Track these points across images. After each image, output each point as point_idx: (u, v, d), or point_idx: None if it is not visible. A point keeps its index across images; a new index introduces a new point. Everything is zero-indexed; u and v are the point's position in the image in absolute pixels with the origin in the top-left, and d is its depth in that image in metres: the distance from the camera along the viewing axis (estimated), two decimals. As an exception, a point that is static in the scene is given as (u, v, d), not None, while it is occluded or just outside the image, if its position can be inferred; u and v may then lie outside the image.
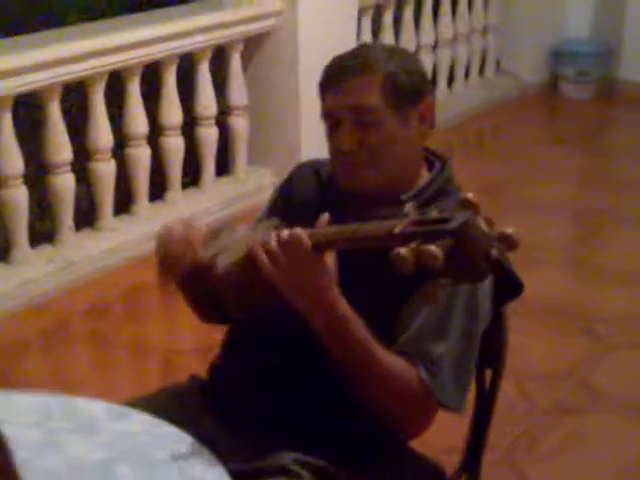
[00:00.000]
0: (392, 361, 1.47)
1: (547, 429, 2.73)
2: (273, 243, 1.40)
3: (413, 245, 1.18)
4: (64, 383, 3.05)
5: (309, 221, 1.42)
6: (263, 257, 1.41)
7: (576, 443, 2.71)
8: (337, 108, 1.57)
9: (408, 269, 1.17)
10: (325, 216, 1.41)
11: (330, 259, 1.41)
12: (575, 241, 4.06)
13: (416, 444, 1.67)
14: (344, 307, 1.44)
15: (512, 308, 1.65)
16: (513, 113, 5.76)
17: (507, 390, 1.73)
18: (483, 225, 1.19)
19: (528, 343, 2.96)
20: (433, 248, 1.15)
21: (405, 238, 1.21)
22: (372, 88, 1.55)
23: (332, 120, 1.59)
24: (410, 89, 1.57)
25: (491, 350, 1.64)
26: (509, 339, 1.67)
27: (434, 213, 1.24)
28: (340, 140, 1.57)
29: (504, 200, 4.29)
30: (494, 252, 1.18)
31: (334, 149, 1.60)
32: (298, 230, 1.39)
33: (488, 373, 1.70)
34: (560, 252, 3.85)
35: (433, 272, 1.17)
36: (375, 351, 1.45)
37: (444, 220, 1.20)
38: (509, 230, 1.19)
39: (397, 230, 1.23)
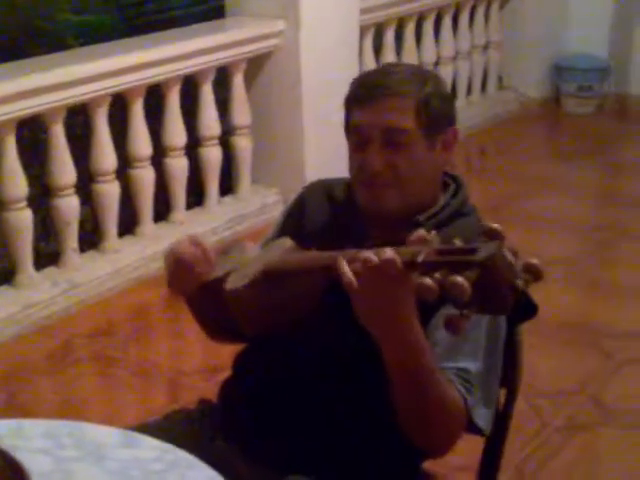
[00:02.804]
0: (449, 390, 1.43)
1: (558, 446, 2.71)
2: (363, 265, 1.27)
3: (438, 275, 1.15)
4: (70, 405, 3.04)
5: (324, 242, 1.39)
6: (350, 276, 1.29)
7: (587, 460, 2.70)
8: (368, 126, 1.55)
9: (432, 299, 1.15)
10: (420, 231, 1.26)
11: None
12: (582, 257, 4.04)
13: (430, 462, 1.66)
14: (420, 337, 1.36)
15: (522, 325, 1.64)
16: (515, 128, 5.76)
17: (518, 407, 1.71)
18: (509, 256, 1.16)
19: (538, 360, 2.92)
20: (460, 280, 1.12)
21: (429, 267, 1.17)
22: (408, 110, 1.54)
23: (360, 137, 1.57)
24: (441, 115, 1.57)
25: (506, 370, 1.62)
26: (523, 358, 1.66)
27: (458, 242, 1.21)
28: (368, 158, 1.55)
29: (508, 216, 4.28)
30: (519, 283, 1.16)
31: (359, 167, 1.58)
32: (391, 253, 1.25)
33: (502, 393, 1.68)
34: (567, 268, 3.83)
35: (457, 303, 1.15)
36: (438, 381, 1.40)
37: (470, 250, 1.17)
38: (534, 260, 1.17)
39: (420, 259, 1.19)
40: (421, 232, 1.25)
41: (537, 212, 4.47)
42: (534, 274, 1.17)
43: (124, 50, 3.81)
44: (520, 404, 1.73)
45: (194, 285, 1.58)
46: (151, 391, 3.18)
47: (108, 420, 2.46)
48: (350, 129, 1.59)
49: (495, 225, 1.19)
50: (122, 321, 3.62)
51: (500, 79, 6.02)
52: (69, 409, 2.99)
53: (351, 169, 1.61)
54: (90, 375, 3.30)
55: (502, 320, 1.53)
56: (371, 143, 1.55)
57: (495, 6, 5.84)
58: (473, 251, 1.17)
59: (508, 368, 1.64)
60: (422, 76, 1.59)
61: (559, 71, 6.01)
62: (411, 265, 1.21)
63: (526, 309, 1.55)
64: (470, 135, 5.45)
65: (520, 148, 5.46)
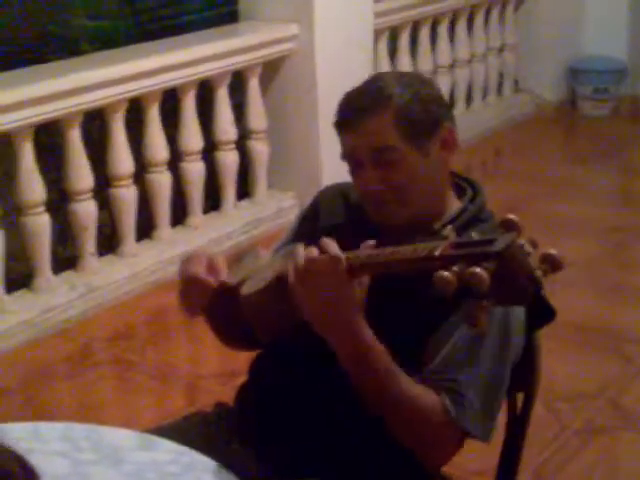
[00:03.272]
0: (414, 392, 1.44)
1: (577, 450, 2.69)
2: (304, 260, 1.36)
3: (456, 268, 1.15)
4: (88, 408, 3.05)
5: (339, 245, 1.39)
6: (292, 274, 1.37)
7: (606, 464, 2.67)
8: (356, 150, 1.55)
9: (451, 292, 1.15)
10: (371, 242, 1.37)
11: (358, 287, 1.37)
12: (599, 260, 4.01)
13: (448, 467, 1.65)
14: (367, 336, 1.40)
15: (540, 329, 1.62)
16: (531, 131, 5.74)
17: (536, 411, 1.70)
18: (527, 246, 1.16)
19: (557, 364, 2.91)
20: (479, 271, 1.12)
21: (446, 260, 1.18)
22: (386, 126, 1.52)
23: (353, 162, 1.58)
24: (426, 119, 1.55)
25: (524, 375, 1.61)
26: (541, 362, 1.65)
27: (474, 235, 1.22)
28: (364, 182, 1.56)
29: (523, 219, 4.22)
30: (538, 273, 1.15)
31: (359, 189, 1.59)
32: (336, 250, 1.35)
33: (520, 397, 1.68)
34: (585, 271, 3.81)
35: (476, 295, 1.15)
36: (396, 381, 1.42)
37: (487, 242, 1.17)
38: (553, 251, 1.17)
39: (438, 252, 1.20)
40: (369, 243, 1.35)
41: (553, 215, 4.44)
42: (553, 264, 1.16)
43: (140, 55, 3.82)
44: (539, 408, 1.73)
45: (208, 294, 1.58)
46: (168, 394, 3.19)
47: (126, 423, 2.46)
48: (343, 154, 1.60)
49: (512, 216, 1.20)
50: (140, 325, 3.63)
51: (516, 82, 6.00)
52: (87, 412, 3.00)
53: (356, 190, 1.62)
54: (108, 378, 3.31)
55: (516, 331, 1.51)
56: (363, 166, 1.55)
57: (510, 8, 5.83)
58: (490, 242, 1.17)
59: (526, 373, 1.63)
60: (400, 84, 1.56)
61: (575, 73, 5.99)
62: (429, 259, 1.21)
63: (544, 314, 1.55)
64: (486, 138, 5.44)
65: (536, 151, 5.44)
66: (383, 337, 1.42)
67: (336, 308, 1.37)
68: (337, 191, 1.74)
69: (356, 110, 1.54)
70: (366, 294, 1.38)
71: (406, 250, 1.27)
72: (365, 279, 1.38)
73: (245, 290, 1.52)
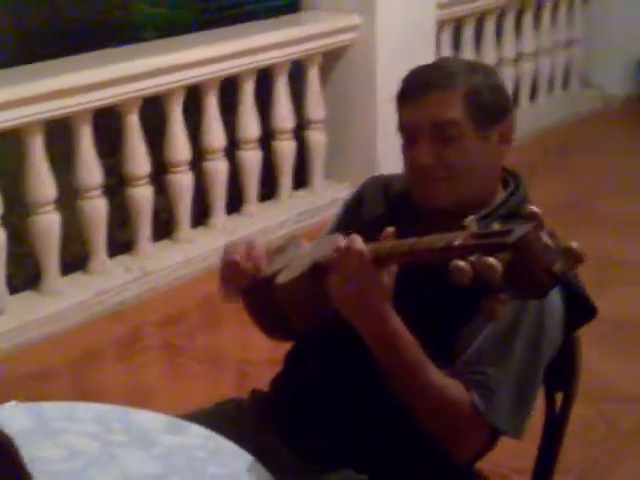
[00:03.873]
0: (443, 383, 1.43)
1: (626, 453, 2.63)
2: (335, 251, 1.38)
3: (472, 258, 1.15)
4: (138, 391, 3.08)
5: (374, 237, 1.39)
6: (324, 264, 1.39)
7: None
8: (416, 122, 1.53)
9: (465, 281, 1.14)
10: (390, 229, 1.38)
11: (387, 276, 1.38)
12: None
13: (487, 464, 1.63)
14: (396, 323, 1.40)
15: (591, 328, 1.58)
16: (598, 126, 5.63)
17: (586, 412, 1.68)
18: (545, 238, 1.14)
19: (608, 364, 2.85)
20: (491, 260, 1.12)
21: (465, 251, 1.17)
22: (454, 102, 1.50)
23: (409, 133, 1.55)
24: (493, 106, 1.53)
25: (563, 373, 1.59)
26: (584, 361, 1.62)
27: (496, 226, 1.20)
28: (418, 154, 1.53)
29: (586, 215, 4.19)
30: (557, 266, 1.13)
31: (410, 163, 1.56)
32: (359, 241, 1.36)
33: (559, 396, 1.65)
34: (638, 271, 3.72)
35: (492, 286, 1.14)
36: (424, 371, 1.42)
37: (505, 233, 1.16)
38: (573, 244, 1.14)
39: (457, 243, 1.20)
40: (389, 230, 1.37)
41: (617, 212, 4.34)
42: (573, 258, 1.14)
43: (200, 43, 3.85)
44: (588, 409, 1.69)
45: (247, 282, 1.58)
46: (217, 380, 3.21)
47: (173, 408, 2.48)
48: (400, 127, 1.57)
49: (534, 207, 1.17)
50: (191, 310, 3.67)
51: (583, 76, 5.89)
52: (136, 395, 3.04)
53: (405, 169, 1.60)
54: (157, 363, 3.35)
55: (550, 329, 1.49)
56: (420, 139, 1.53)
57: (578, 2, 5.71)
58: (507, 233, 1.16)
59: (565, 372, 1.61)
60: (470, 68, 1.56)
61: (644, 68, 5.85)
62: (447, 249, 1.20)
63: (586, 312, 1.52)
64: (551, 132, 5.35)
65: (602, 146, 5.33)
66: (413, 326, 1.42)
67: (365, 298, 1.37)
68: (380, 182, 1.74)
69: (426, 82, 1.53)
70: (394, 282, 1.38)
71: (428, 240, 1.28)
72: (393, 268, 1.38)
73: (282, 278, 1.52)
